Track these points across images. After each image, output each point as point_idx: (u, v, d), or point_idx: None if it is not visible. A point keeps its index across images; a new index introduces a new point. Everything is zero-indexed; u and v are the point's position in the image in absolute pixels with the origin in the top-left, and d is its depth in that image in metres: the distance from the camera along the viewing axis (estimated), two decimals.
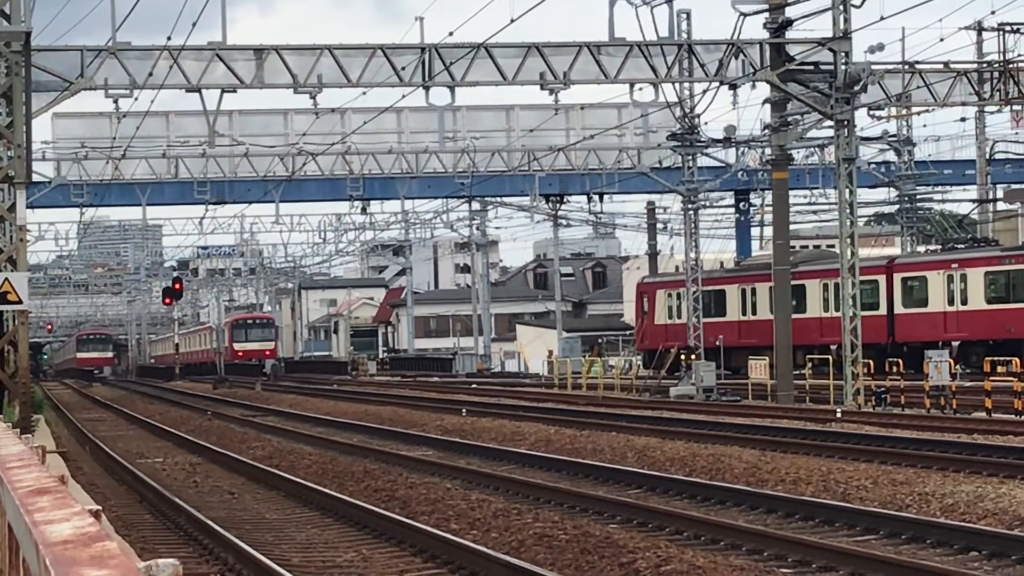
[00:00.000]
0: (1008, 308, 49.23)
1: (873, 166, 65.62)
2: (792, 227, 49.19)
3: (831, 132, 42.65)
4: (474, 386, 65.77)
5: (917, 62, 48.04)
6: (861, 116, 49.92)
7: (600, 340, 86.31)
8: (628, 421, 37.30)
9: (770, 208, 54.80)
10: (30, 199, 45.15)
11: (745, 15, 40.55)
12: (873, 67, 41.49)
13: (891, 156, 66.19)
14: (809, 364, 46.46)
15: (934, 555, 16.31)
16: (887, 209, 76.36)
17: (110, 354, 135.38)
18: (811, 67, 40.46)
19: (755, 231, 77.15)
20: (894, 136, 63.76)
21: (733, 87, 41.14)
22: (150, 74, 37.62)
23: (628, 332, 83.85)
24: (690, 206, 55.50)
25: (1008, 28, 48.17)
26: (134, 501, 24.48)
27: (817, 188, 69.83)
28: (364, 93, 41.58)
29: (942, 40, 67.19)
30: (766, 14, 40.99)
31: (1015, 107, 54.47)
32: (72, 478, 22.19)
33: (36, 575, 4.30)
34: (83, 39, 38.37)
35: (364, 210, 76.90)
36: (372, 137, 62.53)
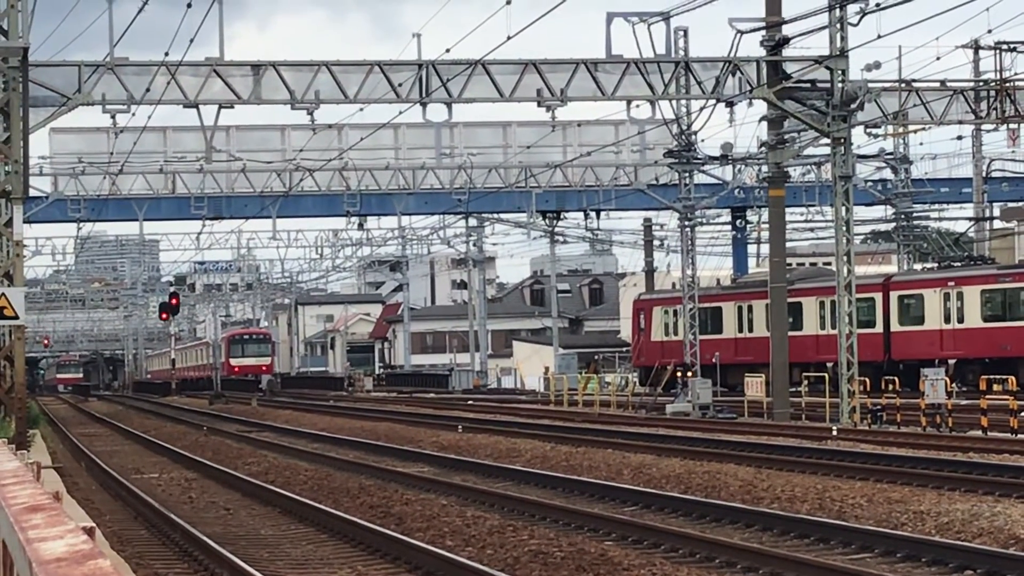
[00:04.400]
0: (1004, 326, 49.23)
1: (870, 184, 65.66)
2: (788, 244, 49.23)
3: (828, 150, 42.70)
4: (470, 402, 65.73)
5: (914, 80, 48.09)
6: (858, 134, 50.11)
7: (596, 357, 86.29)
8: (624, 438, 37.28)
9: (767, 225, 54.82)
10: (27, 214, 45.07)
11: (742, 33, 40.61)
12: (870, 85, 41.53)
13: (888, 174, 66.22)
14: (805, 382, 46.45)
15: (929, 573, 16.31)
16: (884, 227, 76.54)
17: (80, 375, 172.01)
18: (808, 85, 40.52)
19: (752, 248, 77.28)
20: (891, 154, 63.81)
21: (730, 104, 41.18)
22: (148, 90, 37.67)
23: (624, 349, 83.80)
24: (687, 223, 55.51)
25: (1004, 47, 48.24)
26: (129, 517, 24.44)
27: (814, 206, 69.84)
28: (361, 109, 41.65)
29: (939, 58, 67.35)
30: (763, 32, 41.05)
31: (1011, 125, 54.58)
32: (67, 494, 22.18)
33: None
34: (81, 54, 38.39)
35: (361, 226, 77.06)
36: (369, 153, 62.57)
